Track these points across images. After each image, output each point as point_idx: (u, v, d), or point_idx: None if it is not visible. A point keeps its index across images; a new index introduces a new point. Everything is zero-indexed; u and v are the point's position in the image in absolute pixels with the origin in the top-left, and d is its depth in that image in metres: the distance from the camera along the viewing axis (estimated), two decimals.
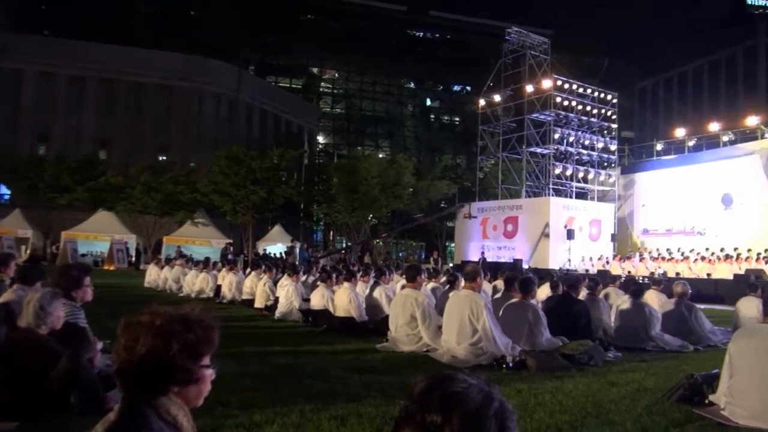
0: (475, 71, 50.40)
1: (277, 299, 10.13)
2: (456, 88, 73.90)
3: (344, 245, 42.58)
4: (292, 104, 54.94)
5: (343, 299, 8.30)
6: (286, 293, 9.73)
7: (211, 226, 33.70)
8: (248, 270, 13.82)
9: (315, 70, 69.52)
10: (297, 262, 20.52)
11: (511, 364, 5.71)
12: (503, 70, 30.22)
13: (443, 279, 10.50)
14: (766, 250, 21.54)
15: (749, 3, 69.24)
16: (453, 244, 35.35)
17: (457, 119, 71.18)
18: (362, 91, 69.00)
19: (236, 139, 41.48)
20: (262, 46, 62.35)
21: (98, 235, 30.79)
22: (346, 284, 8.58)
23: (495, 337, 5.85)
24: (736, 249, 22.25)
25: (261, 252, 31.93)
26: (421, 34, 73.45)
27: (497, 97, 29.88)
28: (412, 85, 72.98)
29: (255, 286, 11.34)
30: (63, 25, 48.25)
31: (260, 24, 60.40)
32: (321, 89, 69.60)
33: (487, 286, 9.68)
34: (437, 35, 73.32)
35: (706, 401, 4.29)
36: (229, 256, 24.62)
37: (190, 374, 1.49)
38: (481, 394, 1.07)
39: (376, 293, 8.69)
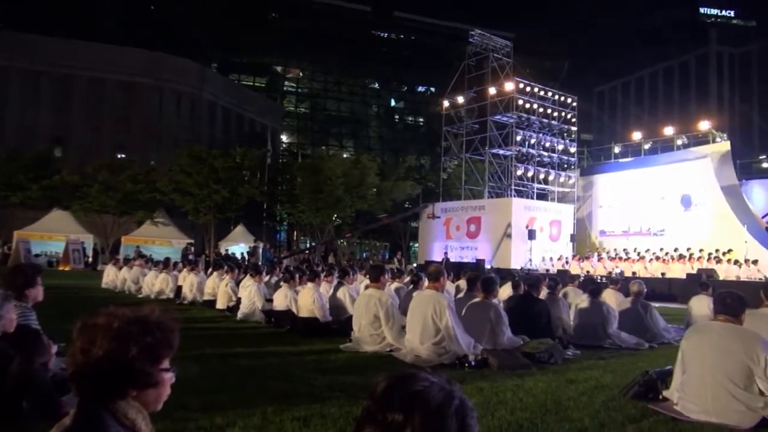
0: (439, 72, 50.83)
1: (239, 300, 10.01)
2: (420, 89, 74.37)
3: (308, 245, 42.36)
4: (255, 103, 54.36)
5: (306, 300, 8.26)
6: (249, 294, 9.63)
7: (171, 225, 33.04)
8: (210, 270, 13.61)
9: (279, 68, 68.95)
10: (260, 263, 20.30)
11: (473, 363, 5.78)
12: (467, 71, 30.58)
13: (407, 279, 10.55)
14: (717, 251, 22.37)
15: (702, 12, 71.72)
16: (417, 245, 35.57)
17: (421, 120, 71.59)
18: (327, 90, 68.76)
19: (198, 137, 40.82)
20: (225, 44, 61.50)
21: (53, 235, 29.81)
22: (309, 284, 8.53)
23: (457, 337, 5.91)
24: (688, 249, 23.06)
25: (223, 252, 31.49)
26: (386, 34, 73.70)
27: (461, 99, 30.22)
28: (376, 85, 73.12)
29: (217, 287, 11.18)
30: (17, 18, 46.57)
31: (224, 21, 59.58)
32: (285, 88, 69.06)
33: (450, 286, 9.77)
34: (401, 36, 73.68)
35: (660, 397, 4.42)
36: (190, 257, 24.21)
37: (148, 377, 1.46)
38: (442, 393, 1.08)
39: (340, 293, 8.68)
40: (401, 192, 37.21)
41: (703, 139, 27.06)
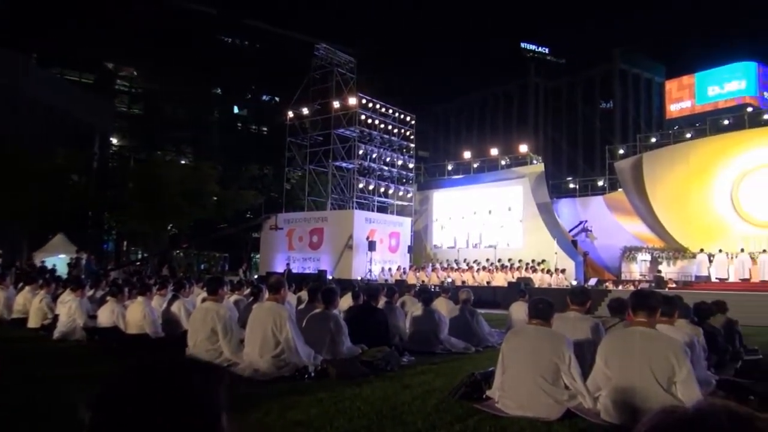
0: (284, 83, 50.50)
1: (56, 317, 9.02)
2: (265, 97, 73.24)
3: (140, 256, 39.41)
4: (82, 101, 49.48)
5: (136, 315, 7.69)
6: (68, 310, 8.71)
7: None
8: (21, 284, 12.08)
9: (110, 65, 63.61)
10: (82, 275, 18.46)
11: (312, 374, 5.80)
12: (312, 84, 30.82)
13: (247, 291, 10.29)
14: (533, 261, 24.91)
15: (523, 47, 79.78)
16: (258, 256, 34.81)
17: (265, 129, 70.39)
18: (165, 93, 64.73)
19: (15, 136, 36.07)
20: (48, 34, 55.25)
21: None
22: (140, 298, 7.96)
23: (297, 348, 5.90)
24: (510, 260, 25.41)
25: (38, 264, 28.09)
26: (231, 40, 71.63)
27: (305, 110, 30.35)
28: (219, 91, 70.59)
29: (29, 303, 9.98)
30: None
31: (47, 10, 53.60)
32: (117, 87, 63.87)
33: (291, 298, 9.71)
34: (247, 43, 72.11)
35: (484, 396, 4.76)
36: None
37: None
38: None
39: (175, 307, 8.21)
40: (243, 202, 36.19)
41: (522, 161, 30.06)
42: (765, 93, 51.80)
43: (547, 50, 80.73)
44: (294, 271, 26.53)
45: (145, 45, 58.94)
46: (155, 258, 32.52)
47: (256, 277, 26.60)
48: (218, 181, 34.84)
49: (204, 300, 7.03)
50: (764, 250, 22.52)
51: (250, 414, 4.39)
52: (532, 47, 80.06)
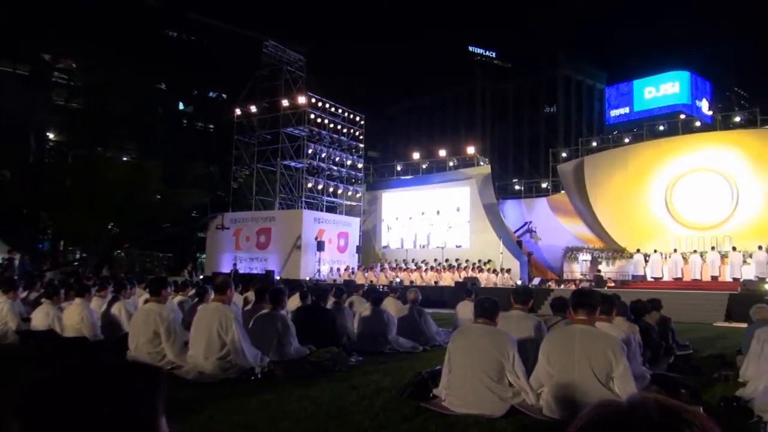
0: (232, 79, 49.56)
1: None
2: (211, 94, 71.65)
3: (78, 256, 37.88)
4: (15, 93, 47.06)
5: (73, 317, 7.40)
6: (0, 313, 8.30)
7: None
8: None
9: (47, 57, 60.76)
10: (15, 276, 17.59)
11: (259, 376, 5.73)
12: (260, 81, 30.39)
13: (191, 292, 10.05)
14: (479, 261, 25.37)
15: (471, 50, 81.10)
16: (204, 256, 34.05)
17: (211, 126, 68.90)
18: (106, 87, 62.34)
19: None
20: None
21: None
22: (77, 300, 7.67)
23: (243, 350, 5.81)
24: (457, 260, 25.78)
25: None
26: (176, 34, 69.72)
27: (253, 108, 29.91)
28: (163, 86, 68.56)
29: None
30: None
31: None
32: (55, 80, 61.08)
33: (238, 298, 9.56)
34: (194, 38, 70.35)
35: (431, 395, 4.82)
36: None
37: None
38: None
39: (115, 309, 7.94)
40: (188, 201, 35.30)
41: (470, 162, 30.57)
42: (697, 101, 54.53)
43: (493, 54, 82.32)
44: (241, 271, 26.13)
45: (85, 37, 56.60)
46: (95, 258, 31.34)
47: (201, 277, 26.03)
48: (162, 179, 33.87)
49: (146, 301, 6.83)
50: (695, 251, 23.69)
51: (194, 417, 4.30)
52: (480, 51, 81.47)
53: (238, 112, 30.32)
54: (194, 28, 69.25)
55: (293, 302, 9.03)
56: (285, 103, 28.53)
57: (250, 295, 9.89)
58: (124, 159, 42.58)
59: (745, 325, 7.79)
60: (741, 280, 20.28)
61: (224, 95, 66.13)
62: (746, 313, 7.13)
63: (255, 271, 26.38)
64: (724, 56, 70.28)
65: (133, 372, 1.02)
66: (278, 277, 24.11)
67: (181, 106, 70.36)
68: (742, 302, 14.21)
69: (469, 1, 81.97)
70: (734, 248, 22.84)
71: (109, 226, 33.13)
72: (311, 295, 8.33)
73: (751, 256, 22.22)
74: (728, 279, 21.98)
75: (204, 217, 32.46)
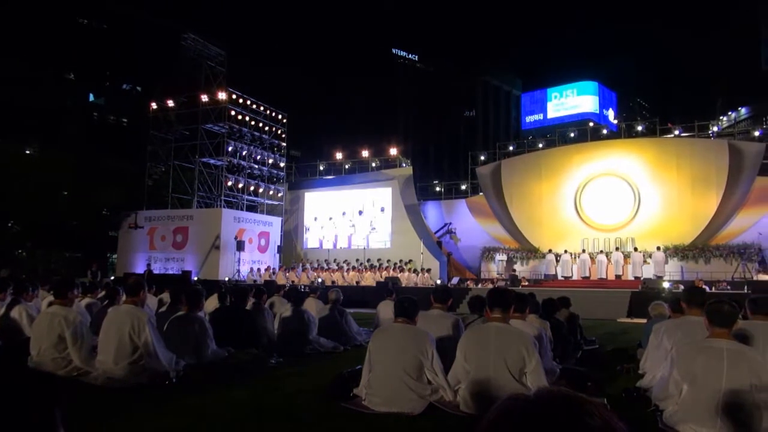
0: (148, 72, 47.60)
1: None
2: (125, 86, 68.38)
3: None
4: None
5: None
6: None
7: None
8: None
9: None
10: None
11: (174, 380, 5.54)
12: (179, 75, 29.30)
13: (101, 294, 9.56)
14: (400, 261, 25.72)
15: (394, 52, 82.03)
16: (116, 256, 32.42)
17: (125, 120, 65.76)
18: (8, 76, 58.00)
19: None
20: None
21: None
22: None
23: (157, 353, 5.60)
24: (378, 260, 26.01)
25: None
26: (87, 21, 65.95)
27: (171, 103, 28.79)
28: (72, 76, 64.66)
29: None
30: None
31: None
32: None
33: (152, 300, 9.19)
34: (106, 26, 66.81)
35: (352, 395, 4.85)
36: None
37: None
38: None
39: (15, 312, 7.41)
40: (99, 198, 33.47)
41: (392, 164, 30.91)
42: (605, 110, 57.94)
43: (416, 57, 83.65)
44: (155, 271, 25.17)
45: None
46: None
47: (112, 278, 24.78)
48: (70, 175, 31.93)
49: (51, 304, 6.42)
50: (601, 251, 25.17)
51: (104, 426, 4.10)
52: (403, 54, 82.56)
53: (154, 106, 29.08)
54: (108, 17, 65.76)
55: (211, 303, 8.81)
56: (205, 98, 27.67)
57: (166, 296, 9.54)
58: (28, 152, 39.78)
59: (644, 320, 8.34)
60: (642, 278, 21.76)
61: (139, 88, 63.33)
62: (646, 309, 7.65)
63: (171, 272, 25.48)
64: (629, 69, 75.05)
65: (28, 382, 0.97)
66: (196, 278, 23.42)
67: (91, 97, 66.62)
68: (642, 299, 15.18)
69: (392, 4, 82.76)
70: (636, 249, 24.48)
71: (9, 224, 30.87)
72: (230, 296, 8.14)
73: (650, 256, 23.91)
74: (630, 278, 23.52)
75: (116, 215, 30.90)
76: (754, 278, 18.87)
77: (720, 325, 3.83)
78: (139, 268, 26.32)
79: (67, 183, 31.24)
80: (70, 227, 32.69)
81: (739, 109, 59.70)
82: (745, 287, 16.47)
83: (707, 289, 17.80)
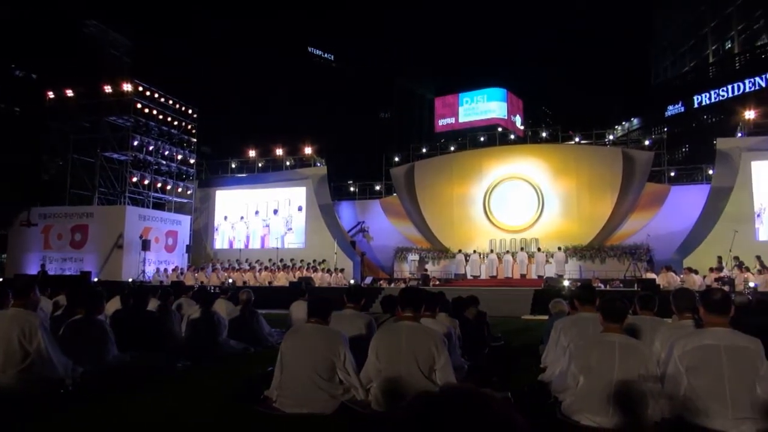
0: (45, 59, 44.31)
1: None
2: (18, 73, 63.27)
3: None
4: None
5: None
6: None
7: None
8: None
9: None
10: None
11: (70, 388, 5.21)
12: (79, 64, 27.55)
13: None
14: (314, 261, 25.61)
15: (310, 51, 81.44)
16: (5, 256, 29.99)
17: (17, 109, 60.83)
18: None
19: None
20: None
21: None
22: None
23: (52, 359, 5.24)
24: (292, 260, 25.78)
25: None
26: None
27: (70, 92, 27.00)
28: None
29: None
30: None
31: None
32: None
33: (46, 303, 8.60)
34: None
35: (262, 397, 4.79)
36: None
37: None
38: None
39: None
40: None
41: (307, 163, 30.67)
42: (512, 116, 60.43)
43: (332, 57, 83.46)
44: (51, 272, 23.55)
45: None
46: None
47: (0, 280, 22.90)
48: None
49: None
50: (507, 251, 26.27)
51: None
52: (318, 53, 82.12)
53: (51, 95, 27.16)
54: None
55: (112, 306, 8.36)
56: (108, 89, 26.16)
57: (62, 299, 8.97)
58: None
59: (546, 317, 8.78)
60: (544, 277, 22.93)
61: (34, 75, 58.87)
62: (548, 307, 8.08)
63: (68, 273, 23.93)
64: (536, 78, 78.81)
65: None
66: (96, 279, 22.17)
67: None
68: (544, 297, 15.94)
69: (309, 3, 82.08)
70: (539, 249, 25.78)
71: None
72: (132, 298, 7.77)
73: (552, 256, 25.25)
74: (534, 276, 24.72)
75: (6, 212, 28.56)
76: (643, 276, 20.36)
77: (613, 320, 4.15)
78: (32, 269, 24.55)
79: None
80: None
81: (632, 119, 64.42)
82: (635, 285, 17.72)
83: (602, 287, 19.06)
